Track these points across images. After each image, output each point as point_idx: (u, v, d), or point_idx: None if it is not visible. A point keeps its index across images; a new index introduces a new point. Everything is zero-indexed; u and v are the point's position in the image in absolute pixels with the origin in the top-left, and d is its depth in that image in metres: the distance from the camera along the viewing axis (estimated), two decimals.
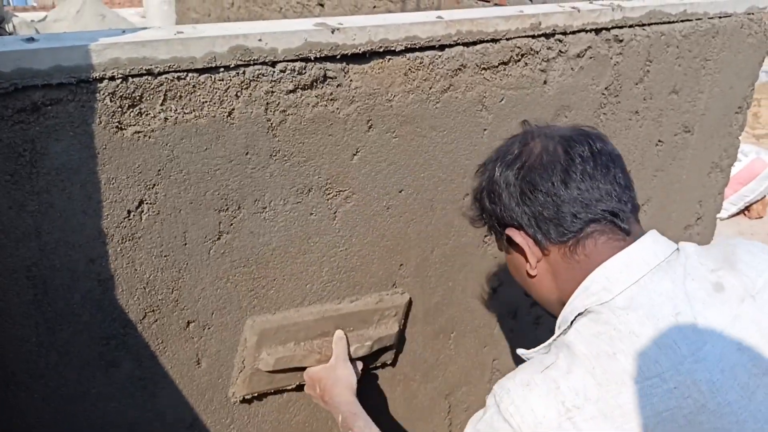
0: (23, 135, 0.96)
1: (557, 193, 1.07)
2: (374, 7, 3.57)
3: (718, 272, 1.02)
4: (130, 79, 1.02)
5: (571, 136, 1.12)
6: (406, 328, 1.68)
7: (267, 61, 1.16)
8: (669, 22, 1.92)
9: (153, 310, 1.20)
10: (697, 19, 2.00)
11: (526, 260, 1.13)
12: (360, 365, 1.53)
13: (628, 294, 1.00)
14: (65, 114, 0.98)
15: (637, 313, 0.97)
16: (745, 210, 4.44)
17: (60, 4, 6.22)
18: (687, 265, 1.03)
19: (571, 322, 1.04)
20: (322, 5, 3.83)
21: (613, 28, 1.78)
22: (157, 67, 1.03)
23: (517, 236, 1.12)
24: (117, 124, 1.03)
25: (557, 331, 1.07)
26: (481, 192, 1.20)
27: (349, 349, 1.50)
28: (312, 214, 1.37)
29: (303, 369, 1.46)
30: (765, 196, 4.49)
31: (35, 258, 1.03)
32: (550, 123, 1.26)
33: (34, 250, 1.03)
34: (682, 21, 1.96)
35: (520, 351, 1.14)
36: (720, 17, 2.07)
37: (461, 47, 1.47)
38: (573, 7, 1.67)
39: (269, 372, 1.40)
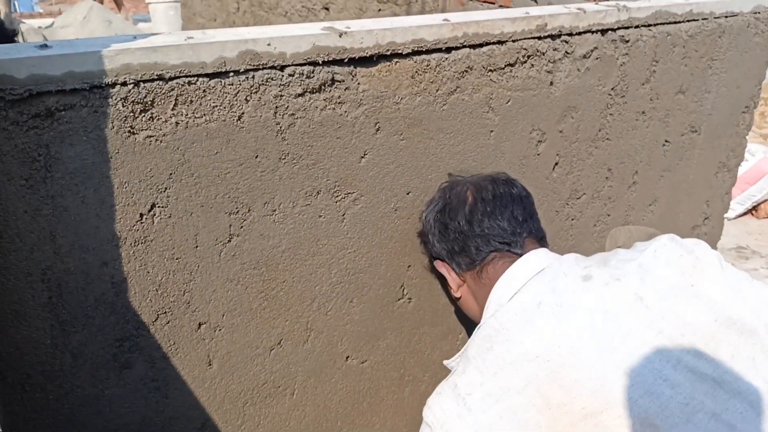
0: (38, 140, 0.97)
1: (462, 230, 1.37)
2: (379, 10, 3.59)
3: (589, 268, 1.20)
4: (142, 84, 1.03)
5: (480, 183, 1.41)
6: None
7: (276, 65, 1.18)
8: (675, 22, 1.93)
9: (165, 312, 1.21)
10: (703, 19, 2.00)
11: (450, 286, 1.43)
12: None
13: (511, 301, 1.22)
14: (78, 119, 0.99)
15: (509, 310, 1.18)
16: (753, 210, 4.42)
17: (66, 11, 6.25)
18: (561, 268, 1.23)
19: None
20: (327, 9, 3.85)
21: (619, 28, 1.79)
22: (168, 72, 1.05)
23: (441, 267, 1.46)
24: (129, 128, 1.04)
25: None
26: (421, 232, 1.52)
27: None
28: (321, 216, 1.38)
29: None
30: None
31: (50, 261, 1.05)
32: (480, 172, 1.55)
33: (48, 253, 1.04)
34: (688, 21, 1.96)
35: (445, 362, 1.40)
36: (726, 17, 2.07)
37: (468, 49, 1.48)
38: (579, 8, 1.68)
39: None
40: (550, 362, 1.07)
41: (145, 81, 1.03)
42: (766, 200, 4.40)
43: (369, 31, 1.28)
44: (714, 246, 2.77)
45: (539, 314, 1.14)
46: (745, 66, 2.24)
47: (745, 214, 4.36)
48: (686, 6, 1.94)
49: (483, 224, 1.35)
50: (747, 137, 2.50)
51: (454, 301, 1.48)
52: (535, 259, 1.29)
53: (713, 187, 2.48)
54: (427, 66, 1.41)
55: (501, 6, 3.06)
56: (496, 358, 1.12)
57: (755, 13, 2.17)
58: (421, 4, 3.39)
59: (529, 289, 1.21)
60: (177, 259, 1.19)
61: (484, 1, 3.21)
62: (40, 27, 6.20)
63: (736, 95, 2.29)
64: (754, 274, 3.69)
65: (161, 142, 1.09)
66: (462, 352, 1.26)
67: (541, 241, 1.39)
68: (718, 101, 2.24)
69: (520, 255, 1.32)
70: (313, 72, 1.23)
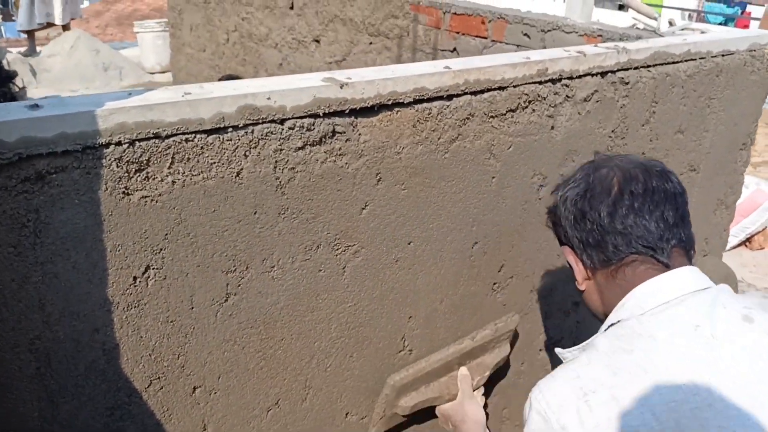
0: (27, 205, 0.92)
1: (602, 224, 1.19)
2: (370, 43, 3.57)
3: (750, 309, 1.08)
4: (137, 143, 0.98)
5: (630, 171, 1.21)
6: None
7: (276, 119, 1.13)
8: (674, 63, 1.92)
9: (159, 378, 1.15)
10: (700, 58, 1.99)
11: (575, 277, 1.28)
12: (482, 396, 1.76)
13: (657, 310, 1.10)
14: (70, 181, 0.94)
15: (658, 319, 1.08)
16: (747, 241, 4.41)
17: (54, 40, 6.21)
18: (719, 297, 1.10)
19: (604, 331, 1.16)
20: (317, 41, 3.83)
21: (618, 70, 1.76)
22: (164, 130, 1.00)
23: (569, 255, 1.28)
24: (123, 189, 0.99)
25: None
26: (551, 210, 1.34)
27: (472, 383, 1.72)
28: (321, 270, 1.33)
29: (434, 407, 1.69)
30: (766, 227, 4.48)
31: (38, 330, 0.99)
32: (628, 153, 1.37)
33: (37, 322, 0.98)
34: (686, 61, 1.95)
35: (557, 350, 1.27)
36: (723, 55, 2.06)
37: (469, 96, 1.45)
38: (579, 51, 1.66)
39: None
40: (697, 397, 0.98)
41: (140, 140, 0.99)
42: (759, 232, 4.40)
43: (370, 81, 1.24)
44: None
45: (694, 338, 1.04)
46: (742, 104, 2.23)
47: (739, 245, 4.35)
48: (684, 46, 1.93)
49: (627, 221, 1.17)
50: (744, 173, 2.48)
51: (577, 290, 1.31)
52: (690, 277, 1.15)
53: (712, 224, 2.46)
54: (429, 114, 1.38)
55: (493, 41, 3.05)
56: (634, 363, 1.03)
57: (751, 51, 2.17)
58: (412, 38, 3.38)
59: (687, 306, 1.09)
60: (171, 321, 1.14)
61: (475, 35, 3.20)
62: (27, 56, 6.15)
63: (734, 133, 2.28)
64: None
65: (157, 202, 1.04)
66: (585, 345, 1.17)
67: (689, 252, 1.22)
68: (716, 139, 2.22)
69: (666, 265, 1.16)
70: (313, 124, 1.19)
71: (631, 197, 1.17)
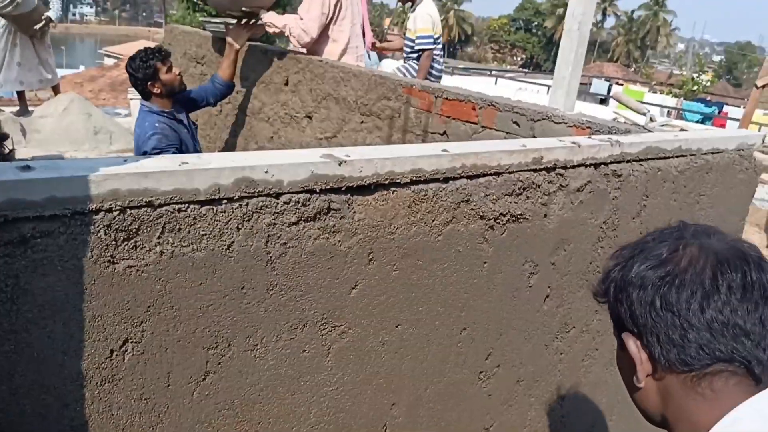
0: (7, 269, 0.87)
1: (689, 319, 0.98)
2: (362, 122, 3.61)
3: None
4: (128, 211, 0.95)
5: (728, 258, 1.00)
6: None
7: (272, 193, 1.11)
8: (665, 158, 1.94)
9: None
10: (691, 155, 2.02)
11: (634, 372, 1.05)
12: None
13: None
14: (55, 247, 0.90)
15: None
16: None
17: (47, 101, 6.24)
18: None
19: None
20: (309, 117, 3.87)
21: (611, 162, 1.78)
22: (158, 199, 0.97)
23: (632, 344, 1.04)
24: (109, 258, 0.95)
25: None
26: (612, 282, 1.10)
27: None
28: (305, 351, 1.28)
29: None
30: None
31: (3, 403, 0.92)
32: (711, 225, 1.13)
33: (4, 393, 0.92)
34: (677, 156, 1.97)
35: None
36: (713, 153, 2.10)
37: (465, 180, 1.44)
38: (573, 142, 1.67)
39: None
40: None
41: (132, 207, 0.95)
42: None
43: (369, 159, 1.23)
44: None
45: None
46: (730, 201, 2.26)
47: None
48: (675, 142, 1.96)
49: (720, 319, 0.97)
50: None
51: (626, 383, 1.12)
52: None
53: None
54: (425, 195, 1.36)
55: (484, 126, 3.09)
56: None
57: (739, 150, 2.21)
58: (404, 120, 3.42)
59: None
60: (145, 399, 1.07)
61: (466, 120, 3.24)
62: (19, 115, 6.16)
63: (722, 230, 2.29)
64: None
65: (142, 272, 0.99)
66: None
67: None
68: None
69: (759, 380, 0.98)
70: (309, 200, 1.17)
71: (729, 292, 0.97)
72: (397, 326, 1.43)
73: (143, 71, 3.28)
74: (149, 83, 3.29)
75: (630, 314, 1.05)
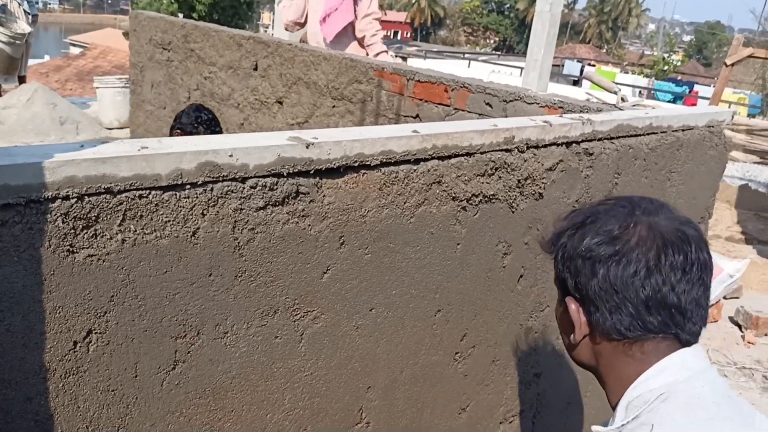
0: None
1: (628, 296, 1.03)
2: (333, 106, 3.58)
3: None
4: (86, 198, 0.92)
5: (672, 240, 1.03)
6: None
7: (237, 177, 1.08)
8: (636, 135, 1.94)
9: None
10: (662, 132, 2.02)
11: (572, 331, 1.12)
12: None
13: (695, 378, 1.01)
14: (10, 237, 0.87)
15: (703, 382, 1.00)
16: None
17: (10, 92, 6.10)
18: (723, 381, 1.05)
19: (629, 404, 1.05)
20: (280, 103, 3.82)
21: (583, 141, 1.77)
22: (117, 186, 0.94)
23: (573, 308, 1.10)
24: (68, 247, 0.92)
25: (627, 413, 1.05)
26: (562, 247, 1.13)
27: None
28: (277, 337, 1.26)
29: None
30: (720, 300, 4.53)
31: None
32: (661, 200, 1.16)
33: None
34: (648, 134, 1.97)
35: (595, 428, 1.12)
36: (683, 130, 2.10)
37: (436, 161, 1.42)
38: (545, 121, 1.66)
39: None
40: None
41: (90, 195, 0.92)
42: (713, 304, 4.45)
43: (337, 141, 1.21)
44: None
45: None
46: (700, 178, 2.27)
47: None
48: (646, 119, 1.96)
49: (657, 297, 1.02)
50: None
51: (563, 335, 1.18)
52: (704, 354, 1.06)
53: None
54: (396, 177, 1.35)
55: (456, 108, 3.07)
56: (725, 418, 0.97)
57: (709, 126, 2.22)
58: (376, 103, 3.39)
59: (706, 382, 1.01)
60: (113, 391, 1.05)
61: (438, 103, 3.22)
62: None
63: (693, 206, 2.30)
64: None
65: (104, 261, 0.96)
66: (618, 428, 1.05)
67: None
68: None
69: (686, 343, 1.04)
70: (276, 184, 1.14)
71: (671, 270, 1.02)
72: (370, 310, 1.42)
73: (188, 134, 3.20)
74: None
75: (575, 282, 1.09)
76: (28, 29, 7.07)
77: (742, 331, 4.39)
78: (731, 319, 4.55)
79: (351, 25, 4.52)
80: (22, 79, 7.49)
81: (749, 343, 4.26)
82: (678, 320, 1.03)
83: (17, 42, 6.90)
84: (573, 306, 1.10)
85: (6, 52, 6.82)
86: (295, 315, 1.28)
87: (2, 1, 6.92)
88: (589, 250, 1.07)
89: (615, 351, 1.07)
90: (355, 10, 4.52)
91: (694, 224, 1.10)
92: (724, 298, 4.69)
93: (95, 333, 0.99)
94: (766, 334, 4.35)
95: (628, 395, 1.05)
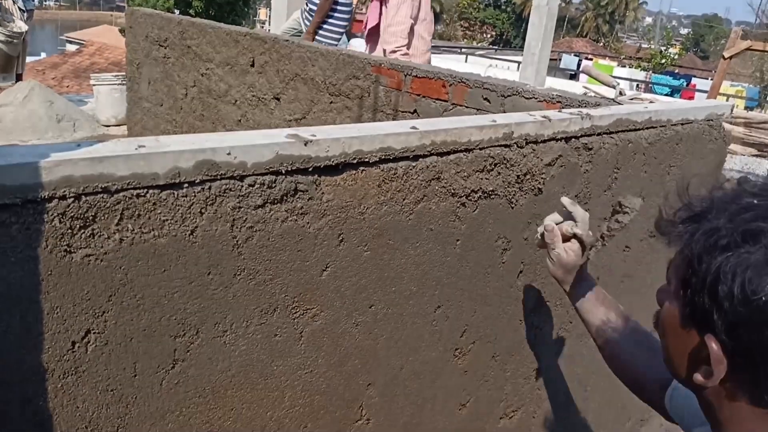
0: None
1: None
2: (331, 102, 3.57)
3: None
4: (84, 198, 0.91)
5: None
6: None
7: (235, 175, 1.08)
8: (635, 130, 1.93)
9: None
10: (661, 126, 2.02)
11: (698, 369, 0.89)
12: None
13: None
14: (7, 238, 0.86)
15: None
16: None
17: (6, 90, 6.08)
18: None
19: None
20: (278, 99, 3.81)
21: (582, 136, 1.77)
22: (114, 185, 0.93)
23: (716, 353, 0.84)
24: (66, 247, 0.92)
25: None
26: (698, 260, 0.83)
27: None
28: (276, 335, 1.26)
29: None
30: None
31: None
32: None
33: None
34: (647, 128, 1.97)
35: None
36: (683, 124, 2.10)
37: (435, 157, 1.42)
38: (544, 116, 1.66)
39: None
40: None
41: (87, 194, 0.92)
42: None
43: (336, 139, 1.20)
44: None
45: None
46: (700, 171, 2.26)
47: None
48: (645, 114, 1.95)
49: None
50: None
51: (679, 366, 0.94)
52: None
53: None
54: (395, 174, 1.34)
55: (454, 104, 3.07)
56: None
57: (708, 120, 2.21)
58: (373, 99, 3.38)
59: None
60: (112, 390, 1.04)
61: (436, 98, 3.22)
62: None
63: None
64: None
65: (101, 261, 0.96)
66: None
67: None
68: None
69: None
70: (275, 182, 1.14)
71: None
72: (370, 307, 1.41)
73: None
74: None
75: (731, 328, 0.81)
76: (24, 27, 7.09)
77: None
78: None
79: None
80: (19, 77, 7.47)
81: None
82: None
83: (14, 41, 6.93)
84: (715, 348, 0.84)
85: (3, 51, 6.86)
86: (295, 313, 1.27)
87: None
88: (734, 272, 0.78)
89: (753, 414, 0.86)
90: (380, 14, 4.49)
91: None
92: None
93: (94, 333, 0.99)
94: None
95: None
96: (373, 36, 4.52)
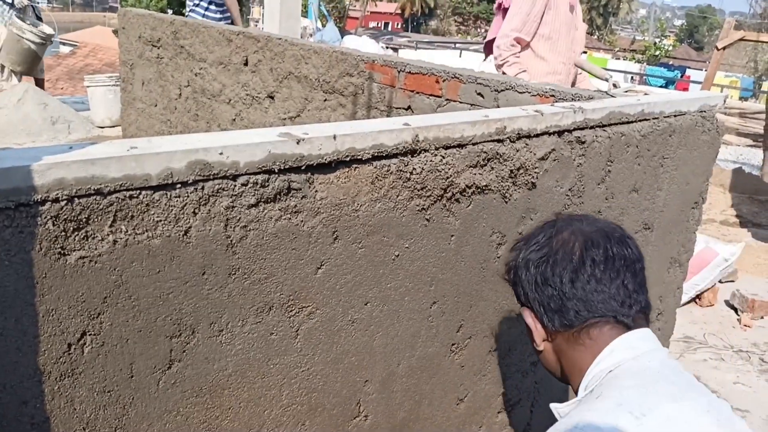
0: None
1: (563, 290, 1.21)
2: (325, 100, 3.56)
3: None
4: (77, 200, 0.92)
5: (592, 238, 1.23)
6: None
7: (228, 175, 1.08)
8: (628, 122, 1.94)
9: None
10: (654, 119, 2.02)
11: (533, 338, 1.30)
12: None
13: (641, 357, 1.15)
14: (0, 242, 0.86)
15: (648, 360, 1.15)
16: (697, 298, 4.48)
17: (1, 92, 6.06)
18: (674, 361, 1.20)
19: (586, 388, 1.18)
20: (272, 97, 3.81)
21: (575, 129, 1.77)
22: (107, 186, 0.94)
23: (528, 317, 1.30)
24: (59, 249, 0.92)
25: (585, 392, 1.18)
26: (512, 268, 1.34)
27: None
28: (272, 333, 1.26)
29: None
30: (715, 284, 4.55)
31: None
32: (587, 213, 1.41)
33: None
34: (640, 121, 1.97)
35: (552, 405, 1.28)
36: (675, 116, 2.10)
37: (428, 153, 1.42)
38: (536, 111, 1.66)
39: None
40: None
41: (80, 196, 0.92)
42: (709, 289, 4.46)
43: (328, 137, 1.20)
44: (667, 339, 2.75)
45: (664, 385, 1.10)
46: (693, 163, 2.27)
47: (689, 302, 4.40)
48: (638, 106, 1.96)
49: (587, 288, 1.19)
50: (696, 232, 2.51)
51: (533, 349, 1.33)
52: (652, 337, 1.21)
53: (666, 282, 2.46)
54: (388, 171, 1.34)
55: (448, 99, 3.07)
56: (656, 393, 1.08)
57: (701, 111, 2.22)
58: (367, 96, 3.38)
59: (654, 358, 1.15)
60: (109, 392, 1.05)
61: (430, 94, 3.22)
62: None
63: (686, 192, 2.31)
64: (702, 365, 3.68)
65: (96, 263, 0.96)
66: (581, 398, 1.19)
67: (648, 317, 1.26)
68: (670, 198, 2.25)
69: (629, 327, 1.19)
70: (268, 181, 1.14)
71: (593, 265, 1.20)
72: (366, 304, 1.42)
73: None
74: None
75: (522, 291, 1.30)
76: (51, 30, 7.14)
77: (738, 315, 4.41)
78: (727, 302, 4.57)
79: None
80: (39, 82, 7.51)
81: (745, 326, 4.28)
82: (611, 304, 1.19)
83: (45, 42, 7.00)
84: (527, 314, 1.30)
85: (34, 52, 6.91)
86: (290, 311, 1.28)
87: (23, 3, 6.99)
88: (525, 260, 1.28)
89: (569, 343, 1.22)
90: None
91: (616, 226, 1.29)
92: (720, 282, 4.71)
93: (89, 335, 0.99)
94: (762, 317, 4.37)
95: (585, 379, 1.19)
96: (491, 49, 4.01)
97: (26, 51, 6.81)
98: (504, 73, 3.78)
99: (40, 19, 7.50)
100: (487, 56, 4.30)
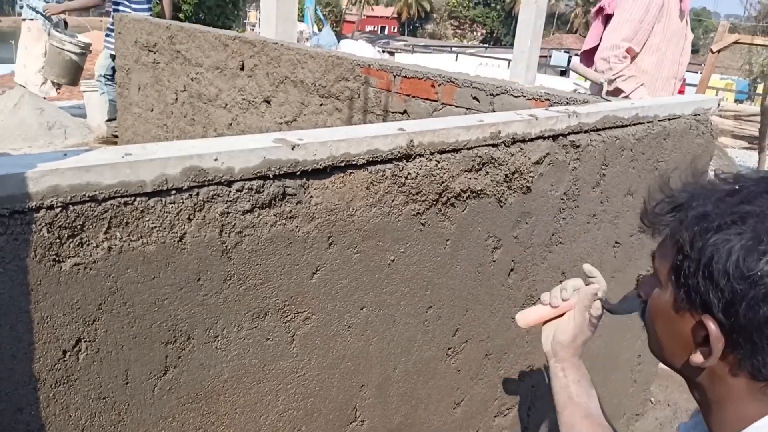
0: None
1: None
2: (321, 104, 3.57)
3: None
4: (71, 207, 0.92)
5: None
6: None
7: (223, 181, 1.08)
8: (622, 126, 1.94)
9: None
10: (648, 122, 2.03)
11: (694, 350, 0.92)
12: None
13: None
14: None
15: None
16: None
17: None
18: None
19: None
20: (268, 102, 3.81)
21: (569, 133, 1.78)
22: (101, 193, 0.94)
23: (714, 329, 0.87)
24: (54, 256, 0.92)
25: None
26: (703, 247, 0.86)
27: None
28: (268, 339, 1.26)
29: None
30: None
31: None
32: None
33: None
34: (634, 124, 1.98)
35: None
36: (669, 119, 2.11)
37: (423, 158, 1.42)
38: (531, 115, 1.67)
39: None
40: None
41: (74, 203, 0.92)
42: None
43: (323, 142, 1.21)
44: None
45: None
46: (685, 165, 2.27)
47: None
48: (632, 110, 1.96)
49: None
50: None
51: (670, 354, 0.98)
52: None
53: None
54: (383, 176, 1.35)
55: (444, 103, 3.07)
56: None
57: (695, 115, 2.22)
58: (363, 100, 3.39)
59: None
60: (104, 398, 1.05)
61: (425, 98, 3.22)
62: None
63: None
64: None
65: (90, 269, 0.96)
66: None
67: None
68: None
69: None
70: (263, 186, 1.14)
71: None
72: (361, 309, 1.42)
73: None
74: None
75: (727, 306, 0.85)
76: (89, 40, 7.13)
77: None
78: None
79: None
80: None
81: None
82: None
83: (85, 53, 6.99)
84: (713, 327, 0.87)
85: (76, 62, 6.90)
86: (286, 316, 1.28)
87: (60, 17, 6.98)
88: (729, 251, 0.83)
89: (749, 389, 0.90)
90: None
91: None
92: None
93: (84, 341, 0.99)
94: None
95: None
96: (589, 59, 3.71)
97: (68, 62, 6.75)
98: (618, 88, 3.42)
99: (66, 27, 7.47)
100: (586, 67, 3.77)
